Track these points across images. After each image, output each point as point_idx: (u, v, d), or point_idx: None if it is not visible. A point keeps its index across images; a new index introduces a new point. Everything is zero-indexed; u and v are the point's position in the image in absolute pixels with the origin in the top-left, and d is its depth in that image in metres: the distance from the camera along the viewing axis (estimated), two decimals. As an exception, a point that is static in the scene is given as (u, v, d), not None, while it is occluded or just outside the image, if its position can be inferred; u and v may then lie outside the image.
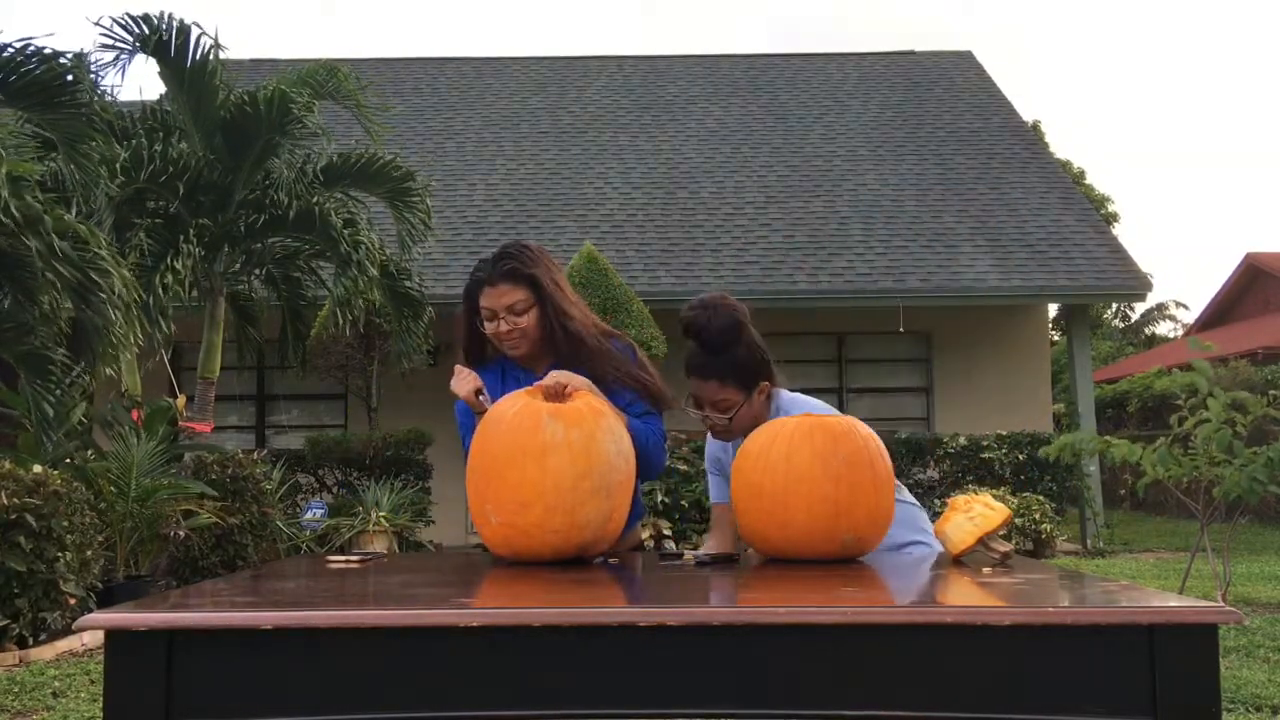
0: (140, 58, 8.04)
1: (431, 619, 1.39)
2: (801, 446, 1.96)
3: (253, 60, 15.36)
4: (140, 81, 23.65)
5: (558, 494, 1.87)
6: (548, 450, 1.88)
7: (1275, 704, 4.09)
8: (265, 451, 9.70)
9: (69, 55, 6.27)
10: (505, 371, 2.40)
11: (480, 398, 2.25)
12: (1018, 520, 9.31)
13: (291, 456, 10.07)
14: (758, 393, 2.45)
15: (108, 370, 6.75)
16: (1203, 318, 24.69)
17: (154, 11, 7.82)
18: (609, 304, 9.54)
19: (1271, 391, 7.46)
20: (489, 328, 2.31)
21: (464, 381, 2.27)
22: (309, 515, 9.19)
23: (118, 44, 7.90)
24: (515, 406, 1.97)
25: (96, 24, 7.74)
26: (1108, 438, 7.33)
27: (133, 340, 6.60)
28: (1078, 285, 11.17)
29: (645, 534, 8.87)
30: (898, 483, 2.24)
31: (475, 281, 2.33)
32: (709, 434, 2.56)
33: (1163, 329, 30.22)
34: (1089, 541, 10.48)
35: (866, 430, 2.04)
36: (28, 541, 5.39)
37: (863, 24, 78.01)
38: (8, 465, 5.63)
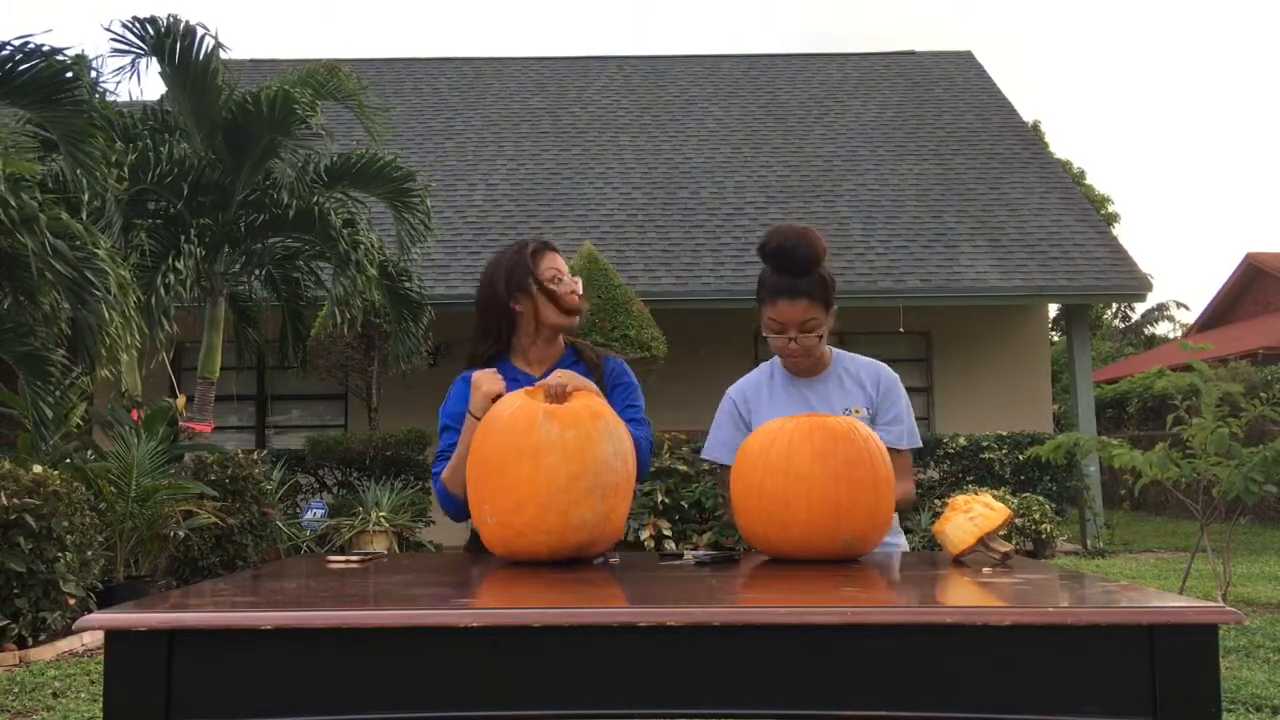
0: (146, 59, 8.08)
1: (431, 619, 1.39)
2: (802, 446, 1.96)
3: (253, 60, 15.37)
4: (140, 81, 23.66)
5: (550, 494, 1.87)
6: (541, 450, 1.88)
7: (1275, 704, 4.09)
8: (265, 451, 9.70)
9: (68, 52, 6.27)
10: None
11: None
12: (1018, 520, 9.31)
13: (291, 456, 10.08)
14: (832, 320, 2.45)
15: (104, 372, 6.75)
16: (1202, 318, 24.69)
17: (158, 12, 7.86)
18: (609, 304, 9.53)
19: (1262, 394, 7.46)
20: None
21: (491, 381, 2.23)
22: (309, 515, 9.19)
23: (130, 49, 7.93)
24: (512, 406, 1.98)
25: (107, 28, 7.78)
26: (1104, 438, 7.33)
27: (129, 341, 6.60)
28: (1078, 285, 11.17)
29: (645, 534, 8.87)
30: None
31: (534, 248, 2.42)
32: (776, 366, 2.52)
33: (1163, 329, 30.25)
34: (1089, 542, 10.48)
35: (866, 430, 2.04)
36: (28, 541, 5.39)
37: (863, 24, 78.01)
38: (8, 465, 5.63)
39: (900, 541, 2.51)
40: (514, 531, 1.91)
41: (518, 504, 1.88)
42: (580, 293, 2.40)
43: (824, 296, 2.41)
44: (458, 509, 2.24)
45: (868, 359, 2.58)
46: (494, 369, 2.31)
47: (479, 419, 2.13)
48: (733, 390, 2.57)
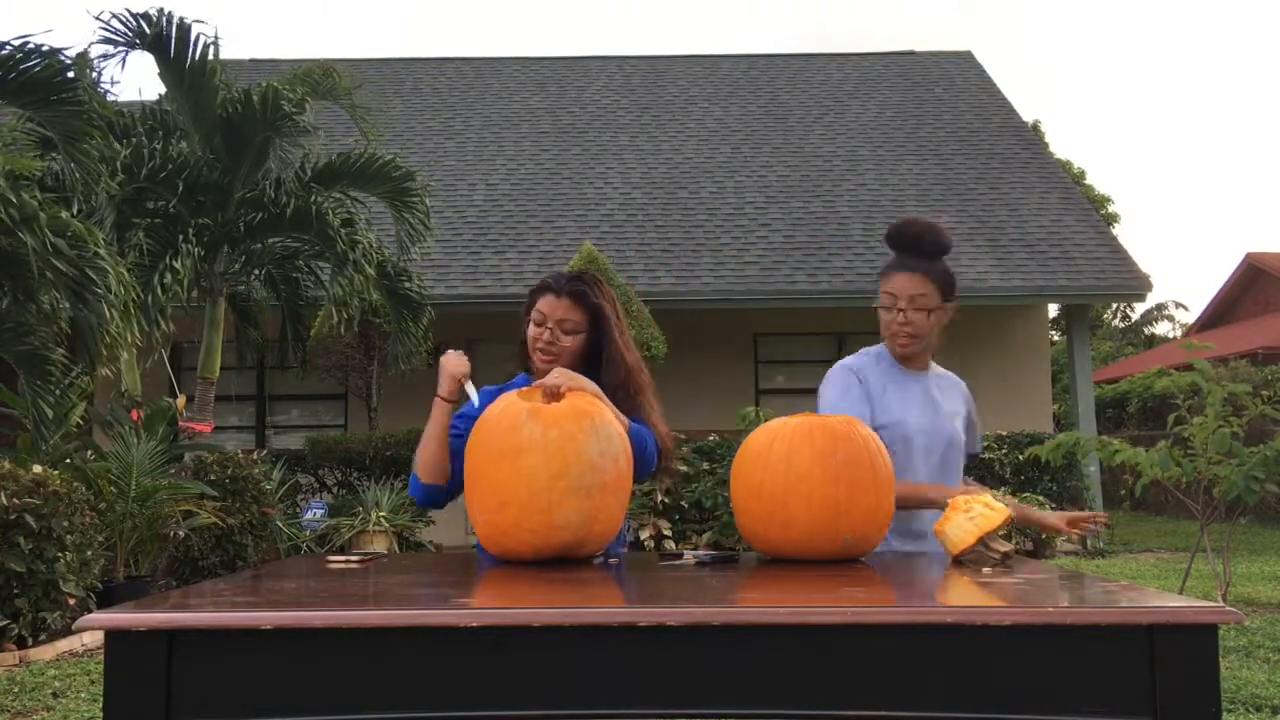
0: (142, 58, 8.08)
1: (431, 619, 1.39)
2: (802, 447, 1.96)
3: (252, 60, 15.38)
4: (140, 82, 23.68)
5: (531, 494, 1.87)
6: (522, 451, 1.88)
7: (1275, 704, 4.09)
8: (265, 451, 9.69)
9: (68, 52, 6.27)
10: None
11: (466, 385, 2.28)
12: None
13: (291, 456, 10.07)
14: (945, 312, 2.49)
15: (105, 371, 6.75)
16: (1203, 318, 24.69)
17: (153, 9, 7.83)
18: (609, 304, 9.51)
19: (1264, 391, 7.47)
20: (533, 330, 2.36)
21: (457, 363, 2.28)
22: (309, 515, 9.19)
23: (116, 39, 7.91)
24: (501, 406, 1.98)
25: (96, 18, 7.75)
26: (1104, 438, 7.33)
27: (129, 339, 6.60)
28: (1078, 285, 11.17)
29: (645, 534, 8.86)
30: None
31: (542, 286, 2.39)
32: (889, 341, 2.50)
33: (1162, 329, 30.26)
34: (1089, 542, 10.47)
35: (866, 430, 2.04)
36: (28, 541, 5.38)
37: (863, 24, 78.06)
38: (8, 465, 5.63)
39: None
40: (500, 531, 1.92)
41: (501, 504, 1.89)
42: (557, 345, 2.32)
43: (940, 280, 2.46)
44: (423, 495, 2.30)
45: (944, 370, 2.65)
46: (462, 351, 2.34)
47: (447, 400, 2.26)
48: (848, 362, 2.54)
